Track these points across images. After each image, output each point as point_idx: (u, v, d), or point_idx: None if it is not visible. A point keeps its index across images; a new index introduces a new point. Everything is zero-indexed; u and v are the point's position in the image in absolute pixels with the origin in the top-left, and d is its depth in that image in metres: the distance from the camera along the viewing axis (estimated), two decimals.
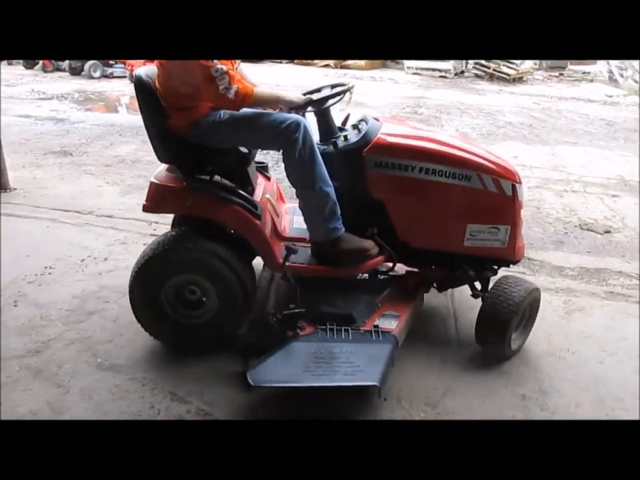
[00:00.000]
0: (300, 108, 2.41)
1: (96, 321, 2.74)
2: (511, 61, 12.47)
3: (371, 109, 8.57)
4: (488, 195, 2.41)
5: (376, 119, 2.58)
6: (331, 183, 2.36)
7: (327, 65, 13.10)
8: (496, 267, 2.68)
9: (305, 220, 2.45)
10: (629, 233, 4.15)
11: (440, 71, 12.67)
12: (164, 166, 2.54)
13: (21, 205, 4.23)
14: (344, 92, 2.44)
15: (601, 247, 3.87)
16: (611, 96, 11.12)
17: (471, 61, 13.30)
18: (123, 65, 10.91)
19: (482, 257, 2.56)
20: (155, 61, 2.38)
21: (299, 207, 2.48)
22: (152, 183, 2.40)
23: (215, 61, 2.13)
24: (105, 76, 10.97)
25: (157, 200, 2.39)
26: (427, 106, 9.08)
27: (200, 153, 2.37)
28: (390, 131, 2.50)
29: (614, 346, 2.71)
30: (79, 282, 3.12)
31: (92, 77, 10.78)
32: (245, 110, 2.32)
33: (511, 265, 2.71)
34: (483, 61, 12.86)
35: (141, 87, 2.32)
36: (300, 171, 2.31)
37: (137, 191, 4.59)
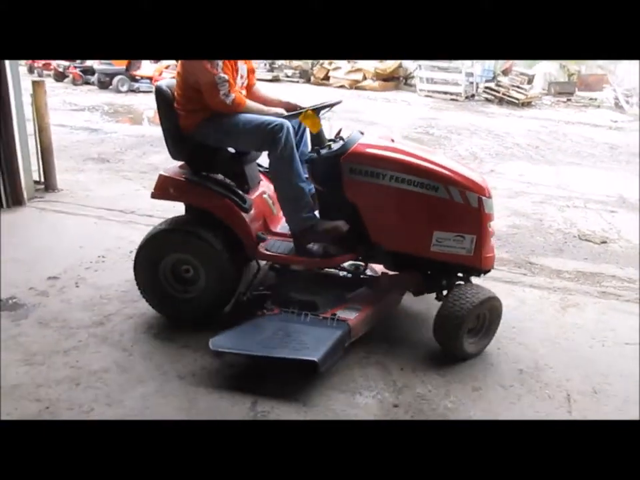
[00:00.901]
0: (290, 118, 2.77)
1: None
2: (521, 85, 12.93)
3: (384, 128, 9.03)
4: (454, 205, 2.61)
5: (360, 132, 2.89)
6: (305, 179, 2.75)
7: (342, 86, 13.61)
8: (466, 276, 2.86)
9: (283, 212, 2.86)
10: (623, 243, 4.52)
11: (451, 94, 13.13)
12: (177, 163, 2.98)
13: (69, 203, 4.68)
14: (327, 107, 2.80)
15: (597, 255, 4.24)
16: (616, 121, 11.51)
17: (481, 85, 13.78)
18: (148, 81, 11.45)
19: (448, 263, 2.74)
20: (176, 71, 2.83)
21: (277, 199, 2.88)
22: (160, 175, 2.87)
23: (220, 70, 2.60)
24: (132, 90, 11.51)
25: (161, 189, 2.86)
26: (439, 127, 9.51)
27: (204, 151, 2.82)
28: (368, 142, 2.77)
29: (603, 335, 3.08)
30: (129, 269, 3.45)
31: (119, 91, 11.33)
32: (239, 115, 2.75)
33: (482, 275, 2.88)
34: (493, 85, 13.33)
35: (160, 93, 2.82)
36: (279, 167, 2.71)
37: None
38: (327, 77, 14.14)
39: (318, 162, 2.75)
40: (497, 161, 7.27)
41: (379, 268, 3.09)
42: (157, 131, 7.87)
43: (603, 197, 5.86)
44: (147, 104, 10.27)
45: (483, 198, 2.66)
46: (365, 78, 13.77)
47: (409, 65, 14.47)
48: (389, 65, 14.07)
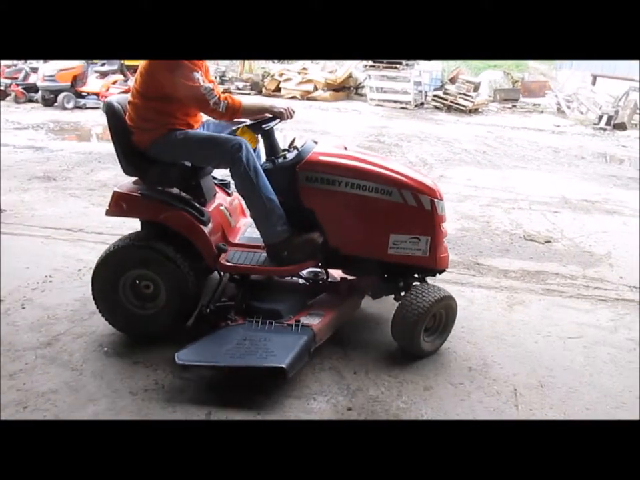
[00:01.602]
0: (283, 116, 2.80)
1: (98, 318, 3.04)
2: (467, 93, 13.30)
3: (337, 137, 9.14)
4: (408, 208, 2.72)
5: (314, 142, 2.96)
6: (273, 192, 2.75)
7: (293, 97, 13.69)
8: (422, 276, 2.97)
9: (257, 227, 2.84)
10: (566, 242, 4.71)
11: (401, 102, 13.39)
12: (130, 179, 2.96)
13: (14, 224, 4.53)
14: (264, 123, 2.80)
15: (542, 254, 4.40)
16: (558, 126, 11.98)
17: (430, 93, 14.11)
18: (95, 97, 11.24)
19: (406, 265, 2.84)
20: (129, 86, 2.81)
21: (250, 216, 2.88)
22: (114, 192, 2.83)
23: (201, 81, 2.57)
24: (78, 107, 11.25)
25: (116, 206, 2.82)
26: (389, 135, 9.69)
27: (158, 166, 2.80)
28: (322, 150, 2.86)
29: (547, 330, 3.20)
30: (78, 288, 3.45)
31: (65, 108, 11.06)
32: (196, 132, 2.79)
33: (437, 275, 2.99)
34: (441, 93, 13.67)
35: (111, 109, 2.78)
36: (247, 184, 2.71)
37: None
38: (278, 88, 14.20)
39: (274, 171, 2.79)
40: (446, 166, 7.46)
41: (337, 274, 3.15)
42: (106, 148, 7.83)
43: (547, 198, 6.09)
44: (95, 120, 10.08)
45: (435, 200, 2.77)
46: (316, 89, 13.89)
47: (359, 74, 14.69)
48: (340, 75, 14.26)
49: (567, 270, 4.11)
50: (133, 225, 4.54)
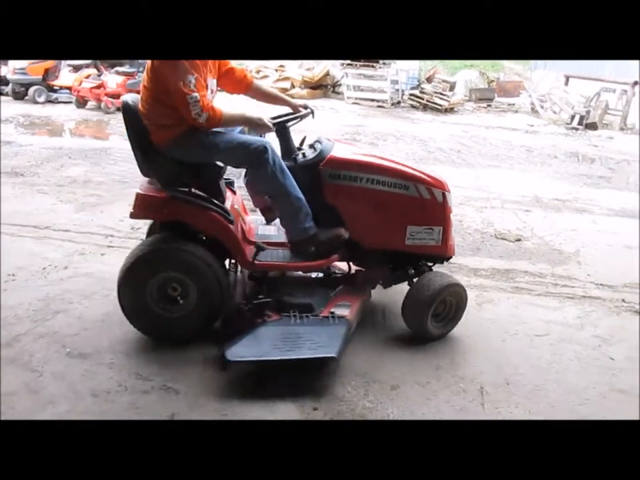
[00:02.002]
0: (263, 129, 2.81)
1: (61, 318, 3.01)
2: (443, 92, 13.38)
3: (314, 134, 9.09)
4: (423, 201, 2.90)
5: (329, 140, 3.03)
6: (299, 190, 2.78)
7: None
8: (431, 264, 3.15)
9: (283, 224, 2.89)
10: (536, 240, 4.76)
11: (378, 101, 13.41)
12: (144, 179, 2.89)
13: None
14: (301, 117, 2.92)
15: (512, 252, 4.44)
16: (532, 125, 12.12)
17: (406, 92, 14.15)
18: (68, 91, 11.03)
19: (421, 254, 3.04)
20: (140, 85, 2.77)
21: (277, 214, 2.93)
22: (138, 194, 2.74)
23: (193, 87, 2.52)
24: (50, 101, 11.03)
25: (142, 208, 2.74)
26: (365, 133, 9.69)
27: (178, 167, 2.74)
28: (341, 149, 2.98)
29: (515, 328, 3.23)
30: (42, 287, 3.37)
31: (36, 102, 10.83)
32: (220, 133, 2.74)
33: (445, 262, 3.20)
34: (417, 92, 13.73)
35: (127, 109, 2.72)
36: (275, 184, 2.73)
37: (89, 208, 4.87)
38: None
39: (295, 170, 2.83)
40: (421, 165, 7.47)
41: (343, 266, 3.25)
42: (77, 143, 7.71)
43: (519, 197, 6.15)
44: (67, 115, 9.91)
45: (446, 193, 2.98)
46: (293, 86, 13.84)
47: (337, 72, 14.67)
48: (317, 73, 14.22)
49: (536, 268, 4.15)
50: (103, 223, 4.49)
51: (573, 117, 12.26)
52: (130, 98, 2.78)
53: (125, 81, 10.35)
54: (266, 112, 2.95)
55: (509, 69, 18.35)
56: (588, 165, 8.70)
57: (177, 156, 2.72)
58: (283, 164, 2.75)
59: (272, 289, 2.89)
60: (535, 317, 3.37)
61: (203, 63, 2.66)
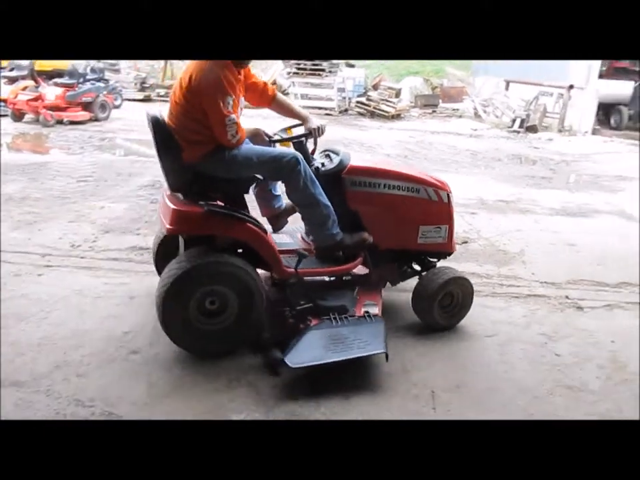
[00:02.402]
0: (261, 140, 2.92)
1: None
2: (389, 99, 13.59)
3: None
4: (431, 202, 3.16)
5: (343, 151, 3.15)
6: (327, 198, 2.90)
7: None
8: (436, 260, 3.39)
9: (311, 231, 3.06)
10: (483, 242, 4.85)
11: (326, 109, 13.49)
12: (165, 194, 2.91)
13: None
14: (313, 134, 3.00)
15: (459, 255, 4.46)
16: (475, 130, 12.46)
17: (353, 100, 14.29)
18: (3, 104, 10.58)
19: (428, 251, 3.29)
20: (171, 101, 2.79)
21: (304, 222, 3.08)
22: (174, 210, 2.73)
23: (230, 108, 2.61)
24: None
25: (181, 223, 2.76)
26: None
27: (209, 181, 2.79)
28: (358, 158, 3.17)
29: (464, 330, 3.26)
30: None
31: None
32: (250, 147, 2.85)
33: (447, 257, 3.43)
34: (364, 100, 13.88)
35: (157, 124, 2.74)
36: (307, 195, 2.85)
37: (26, 226, 4.64)
38: None
39: (318, 179, 2.93)
40: None
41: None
42: (13, 158, 7.35)
43: (465, 200, 6.25)
44: (4, 129, 9.49)
45: (450, 194, 3.22)
46: None
47: (283, 81, 14.68)
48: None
49: (482, 269, 4.22)
50: (41, 241, 4.28)
51: (514, 121, 12.68)
52: (158, 113, 2.79)
53: (64, 92, 10.02)
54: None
55: (452, 75, 18.81)
56: (530, 166, 8.98)
57: (210, 171, 2.77)
58: (312, 174, 2.86)
59: (295, 295, 2.92)
60: (483, 318, 3.42)
61: (237, 80, 2.72)
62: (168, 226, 2.74)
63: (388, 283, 3.45)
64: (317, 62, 13.95)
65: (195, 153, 2.73)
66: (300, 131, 3.08)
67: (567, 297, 3.79)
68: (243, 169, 2.82)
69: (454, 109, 14.97)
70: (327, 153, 3.20)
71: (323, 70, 13.70)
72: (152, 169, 6.64)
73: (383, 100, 13.59)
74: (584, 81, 12.59)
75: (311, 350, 2.61)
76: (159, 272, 3.18)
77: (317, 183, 2.87)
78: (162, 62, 15.51)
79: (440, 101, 15.54)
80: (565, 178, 8.26)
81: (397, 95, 14.05)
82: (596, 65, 12.61)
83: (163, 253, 3.30)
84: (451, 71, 19.11)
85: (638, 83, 13.30)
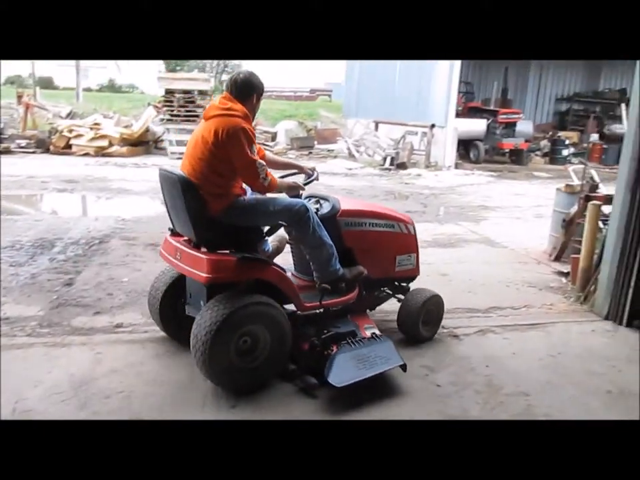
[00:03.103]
0: (297, 190, 3.27)
1: None
2: (266, 142, 13.79)
3: (136, 195, 8.73)
4: (403, 235, 3.72)
5: (330, 197, 3.55)
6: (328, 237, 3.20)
7: (86, 154, 12.87)
8: (407, 285, 3.89)
9: (318, 269, 3.27)
10: None
11: None
12: (183, 244, 3.15)
13: None
14: (315, 178, 3.49)
15: None
16: (350, 169, 12.99)
17: None
18: None
19: (404, 277, 3.80)
20: (191, 157, 2.94)
21: (311, 262, 3.26)
22: (207, 259, 2.94)
23: (256, 154, 2.90)
24: None
25: (216, 271, 2.93)
26: None
27: (232, 231, 3.03)
28: (345, 202, 3.57)
29: None
30: None
31: None
32: (264, 197, 3.16)
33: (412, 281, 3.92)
34: None
35: (186, 183, 2.91)
36: (315, 238, 3.15)
37: None
38: (68, 145, 13.23)
39: None
40: None
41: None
42: None
43: None
44: None
45: (414, 226, 3.80)
46: (111, 144, 13.24)
47: (158, 129, 14.39)
48: (136, 129, 13.81)
49: None
50: None
51: (385, 159, 13.40)
52: (179, 171, 2.97)
53: None
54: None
55: (325, 118, 19.60)
56: (403, 201, 9.48)
57: (232, 222, 3.00)
58: (318, 220, 3.16)
59: (306, 326, 3.26)
60: None
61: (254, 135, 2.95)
62: (205, 275, 2.91)
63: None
64: (190, 108, 13.89)
65: (219, 205, 2.94)
66: (295, 177, 3.53)
67: (442, 327, 3.96)
68: (261, 217, 3.13)
69: (329, 150, 15.52)
70: (314, 198, 3.56)
71: (197, 116, 13.63)
72: (11, 228, 6.12)
73: (259, 144, 13.75)
74: (444, 120, 13.68)
75: (346, 370, 2.93)
76: (162, 315, 3.45)
77: (322, 225, 3.17)
78: (21, 111, 14.56)
79: (315, 142, 16.06)
80: (435, 210, 8.80)
81: (273, 138, 14.34)
82: (452, 106, 13.78)
83: (171, 295, 3.44)
84: (324, 114, 19.92)
85: (490, 120, 14.80)
